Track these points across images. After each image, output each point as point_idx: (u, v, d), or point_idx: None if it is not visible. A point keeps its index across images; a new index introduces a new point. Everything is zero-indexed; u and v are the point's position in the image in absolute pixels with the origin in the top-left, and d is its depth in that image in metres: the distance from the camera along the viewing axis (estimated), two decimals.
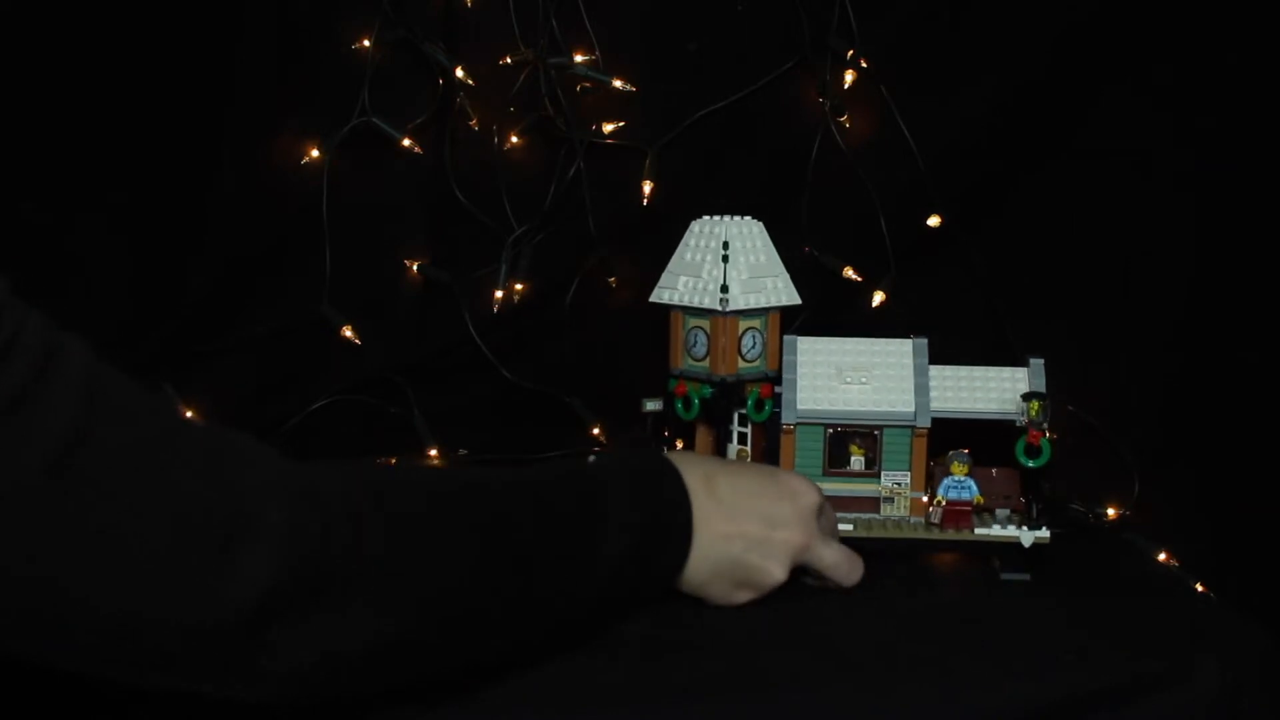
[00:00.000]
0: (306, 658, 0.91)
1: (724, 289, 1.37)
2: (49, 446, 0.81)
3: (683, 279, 1.40)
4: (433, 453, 1.76)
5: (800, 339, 1.41)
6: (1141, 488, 1.62)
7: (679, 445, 1.43)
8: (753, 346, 1.40)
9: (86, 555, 0.83)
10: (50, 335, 0.85)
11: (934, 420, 1.36)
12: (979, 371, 1.39)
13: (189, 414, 1.68)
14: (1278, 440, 1.64)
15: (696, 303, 1.39)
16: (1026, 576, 1.35)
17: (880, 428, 1.37)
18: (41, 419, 0.81)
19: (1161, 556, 1.53)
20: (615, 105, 1.79)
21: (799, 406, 1.37)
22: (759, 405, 1.39)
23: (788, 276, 1.42)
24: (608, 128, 1.80)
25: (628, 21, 1.79)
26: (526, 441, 1.77)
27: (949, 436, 1.37)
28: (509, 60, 1.78)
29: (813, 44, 1.74)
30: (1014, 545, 1.34)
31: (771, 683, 1.14)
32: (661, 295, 1.42)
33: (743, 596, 1.21)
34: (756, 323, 1.40)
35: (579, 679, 1.14)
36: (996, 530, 1.35)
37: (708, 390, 1.39)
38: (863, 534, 1.36)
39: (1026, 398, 1.34)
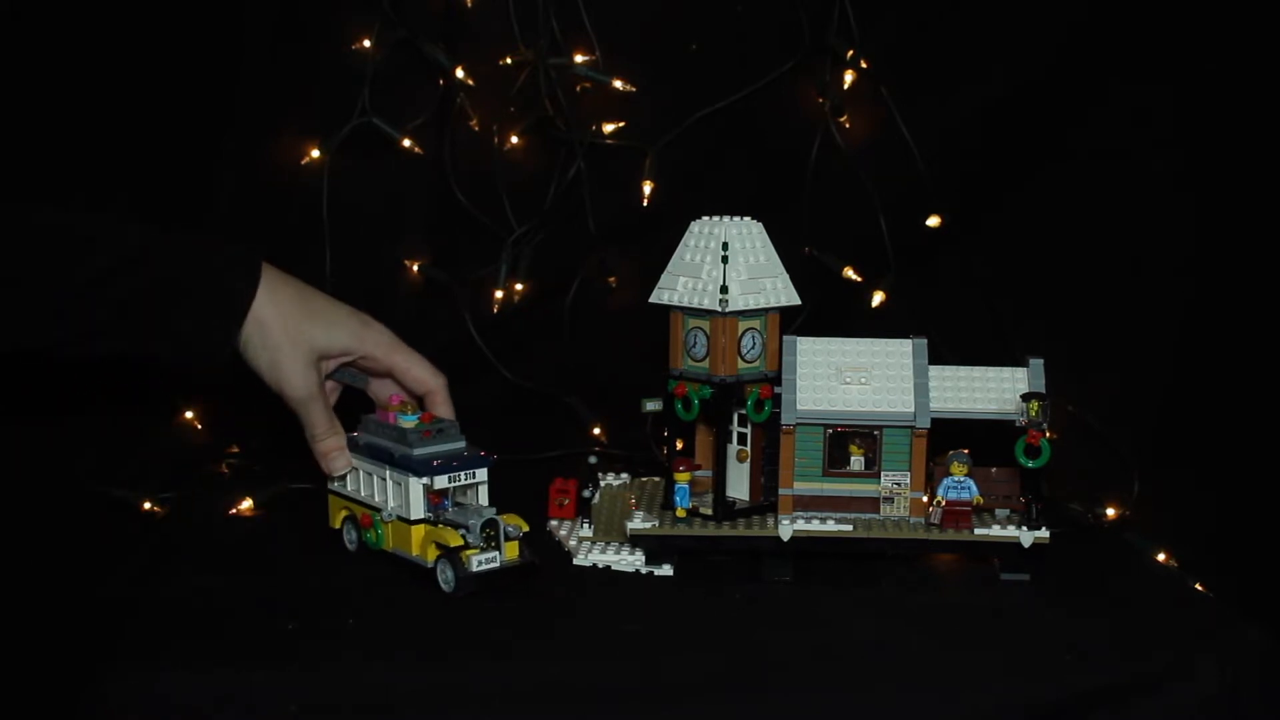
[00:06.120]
0: None
1: (723, 289, 1.36)
2: None
3: (682, 279, 1.40)
4: None
5: (800, 339, 1.41)
6: (1141, 488, 1.62)
7: (679, 445, 1.43)
8: (752, 347, 1.40)
9: None
10: None
11: (934, 420, 1.36)
12: (979, 371, 1.39)
13: None
14: (1277, 440, 1.64)
15: (696, 303, 1.39)
16: (1026, 576, 1.35)
17: (880, 428, 1.37)
18: None
19: (1161, 556, 1.54)
20: (615, 105, 1.79)
21: (799, 407, 1.37)
22: (759, 406, 1.39)
23: (787, 277, 1.42)
24: (608, 128, 1.80)
25: (628, 21, 1.79)
26: (527, 441, 1.78)
27: (949, 436, 1.37)
28: (509, 60, 1.78)
29: (813, 44, 1.74)
30: (1014, 545, 1.34)
31: (771, 683, 1.14)
32: (661, 296, 1.42)
33: None
34: (756, 323, 1.40)
35: (579, 679, 1.14)
36: (996, 530, 1.35)
37: (707, 391, 1.39)
38: (862, 534, 1.36)
39: (1026, 398, 1.34)
